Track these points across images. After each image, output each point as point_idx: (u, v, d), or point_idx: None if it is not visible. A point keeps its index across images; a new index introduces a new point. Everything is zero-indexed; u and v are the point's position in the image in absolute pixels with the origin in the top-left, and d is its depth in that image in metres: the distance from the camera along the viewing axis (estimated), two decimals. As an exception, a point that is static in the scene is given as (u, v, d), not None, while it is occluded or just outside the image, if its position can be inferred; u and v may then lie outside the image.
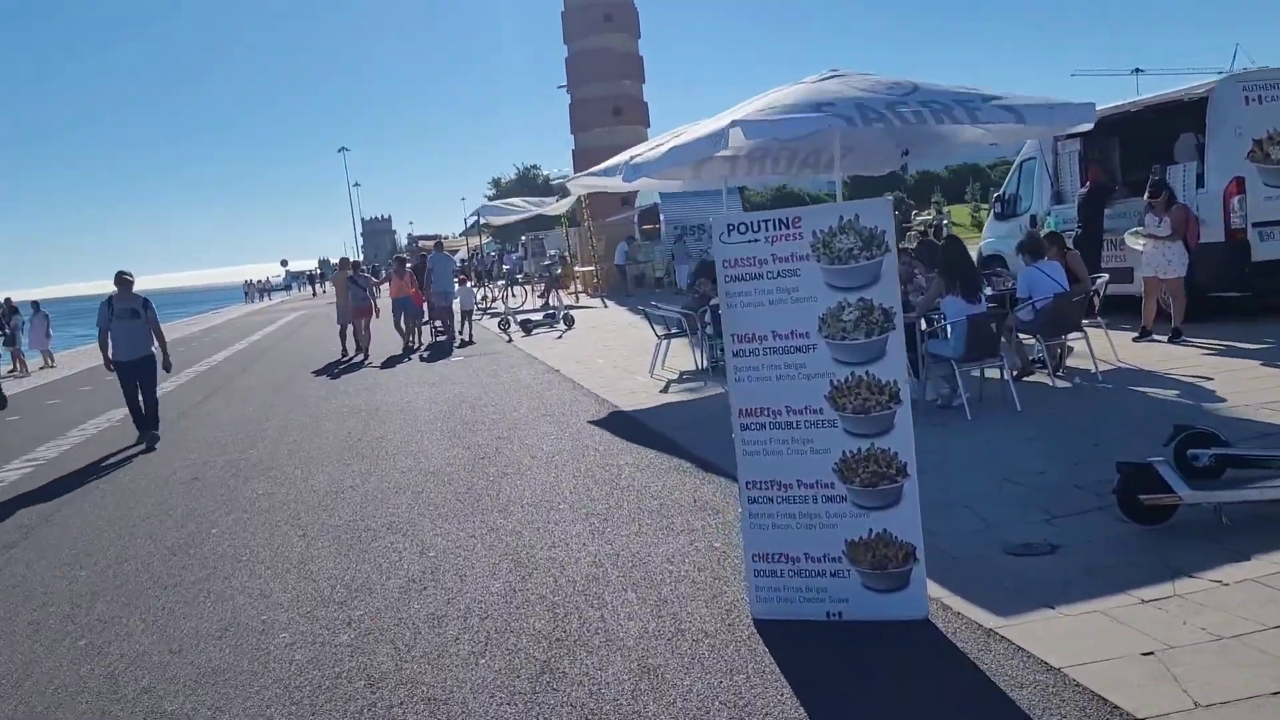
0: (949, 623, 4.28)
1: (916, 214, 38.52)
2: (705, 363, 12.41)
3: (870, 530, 4.30)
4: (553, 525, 6.41)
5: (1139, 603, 4.24)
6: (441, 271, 20.34)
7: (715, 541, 5.75)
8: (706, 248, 30.37)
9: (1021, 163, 14.96)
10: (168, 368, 11.90)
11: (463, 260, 56.99)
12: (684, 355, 13.26)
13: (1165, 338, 10.63)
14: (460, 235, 42.32)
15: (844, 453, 4.29)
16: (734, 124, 8.54)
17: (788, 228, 4.27)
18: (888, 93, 9.10)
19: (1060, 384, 8.97)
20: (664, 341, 12.75)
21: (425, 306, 20.40)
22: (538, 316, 21.65)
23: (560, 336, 19.38)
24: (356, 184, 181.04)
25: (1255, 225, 11.07)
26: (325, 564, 6.12)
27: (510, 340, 19.59)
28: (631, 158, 11.10)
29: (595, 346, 16.96)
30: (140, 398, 11.26)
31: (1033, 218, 14.47)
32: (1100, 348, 9.56)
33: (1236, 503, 4.96)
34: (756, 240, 4.32)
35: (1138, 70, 79.00)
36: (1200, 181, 11.45)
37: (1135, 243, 10.98)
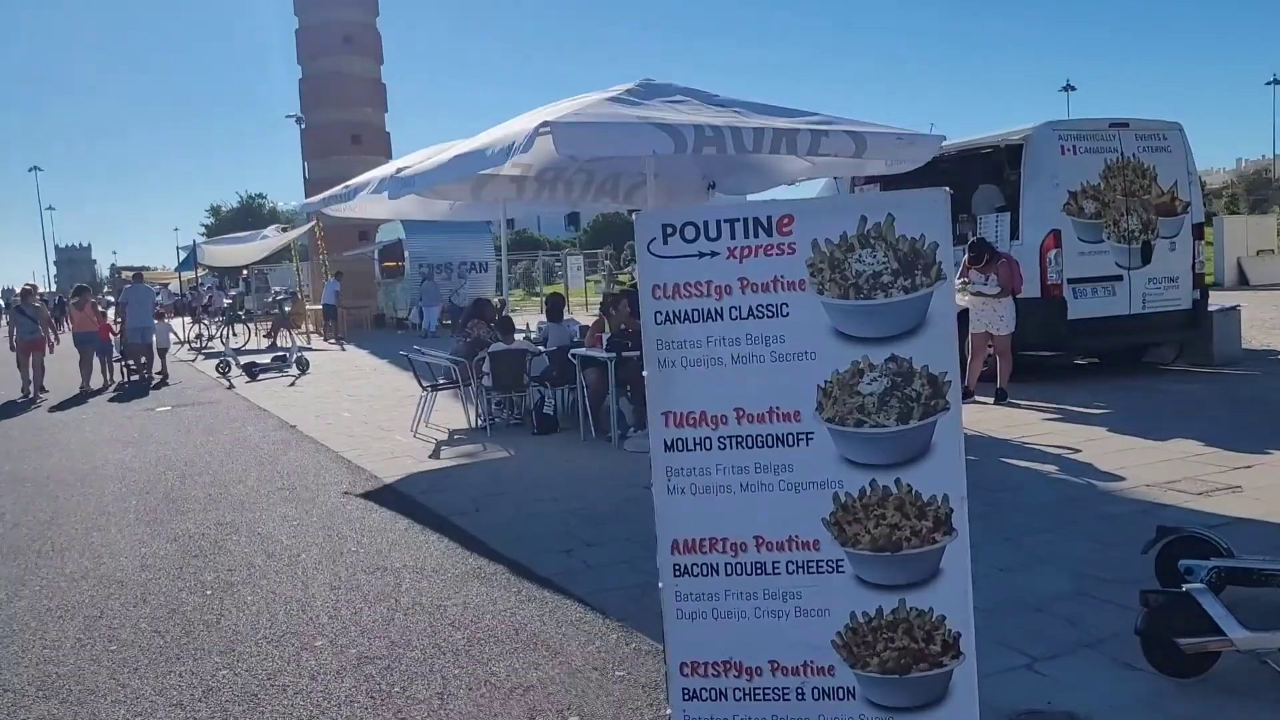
0: None
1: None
2: (480, 420, 10.46)
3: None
4: (307, 681, 4.28)
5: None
6: (138, 305, 18.04)
7: (566, 709, 3.87)
8: (457, 288, 28.29)
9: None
10: None
11: (174, 295, 51.59)
12: (452, 411, 11.23)
13: (990, 400, 9.80)
14: (175, 269, 37.67)
15: (853, 616, 2.57)
16: (545, 127, 6.78)
17: (770, 232, 2.56)
18: (719, 111, 7.68)
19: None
20: (429, 394, 10.67)
21: (116, 342, 18.13)
22: (265, 359, 18.75)
23: (293, 383, 16.68)
24: (50, 207, 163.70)
25: (1070, 282, 10.54)
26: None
27: (231, 386, 16.67)
28: (398, 170, 9.10)
29: (338, 396, 14.51)
30: None
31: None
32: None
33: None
34: (714, 253, 2.58)
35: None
36: (1014, 232, 10.84)
37: (960, 300, 10.14)
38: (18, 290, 20.05)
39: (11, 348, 17.03)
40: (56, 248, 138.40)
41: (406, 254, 30.22)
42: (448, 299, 27.90)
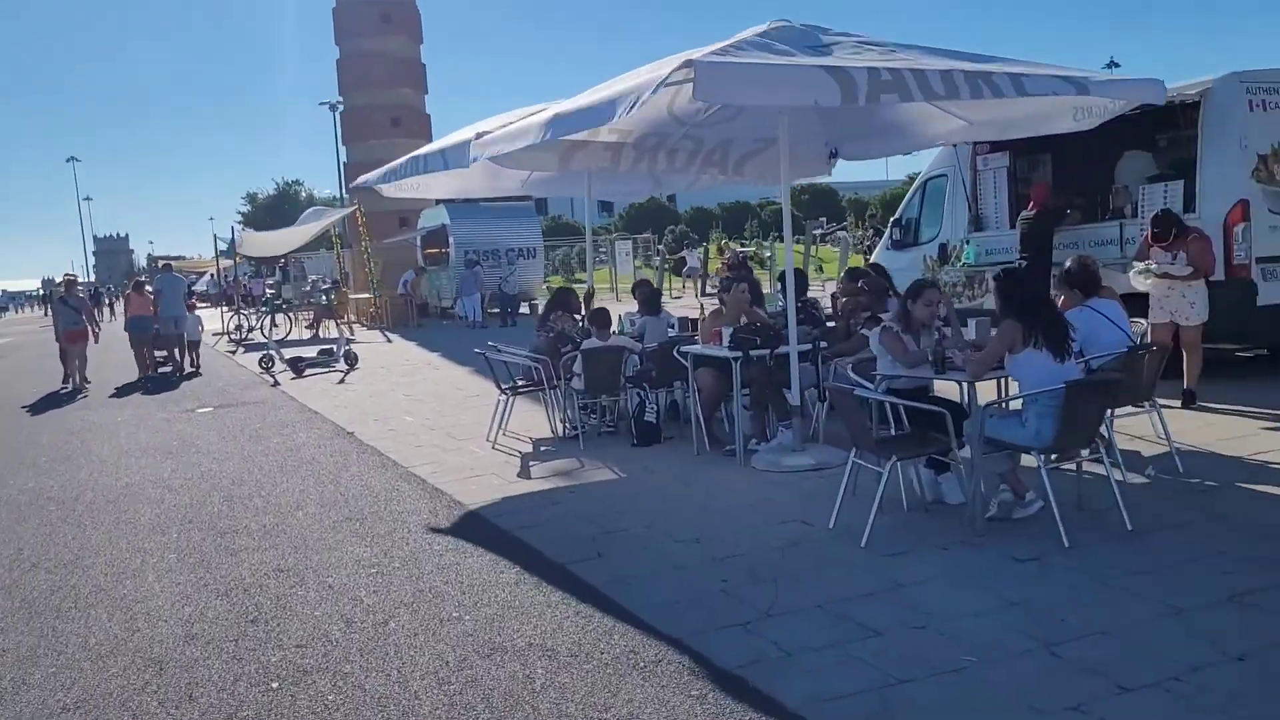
0: None
1: (729, 243, 36.06)
2: (568, 427, 9.05)
3: None
4: None
5: None
6: (171, 294, 18.07)
7: None
8: (506, 275, 26.93)
9: (926, 181, 12.56)
10: None
11: (216, 285, 50.73)
12: (532, 415, 9.83)
13: (1177, 402, 8.24)
14: (212, 257, 36.50)
15: None
16: (686, 67, 5.32)
17: None
18: (887, 53, 6.20)
19: (1133, 478, 6.23)
20: (508, 398, 9.26)
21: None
22: (311, 353, 17.45)
23: (343, 379, 15.37)
24: (88, 198, 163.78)
25: (1259, 261, 8.95)
26: None
27: (276, 384, 15.39)
28: (478, 135, 7.69)
29: (395, 396, 13.16)
30: None
31: (943, 247, 12.05)
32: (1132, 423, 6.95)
33: None
34: None
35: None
36: (1189, 204, 9.25)
37: (1141, 283, 8.57)
38: (59, 280, 20.15)
39: (56, 339, 16.72)
40: (94, 238, 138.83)
41: (451, 240, 28.87)
42: (497, 287, 26.54)
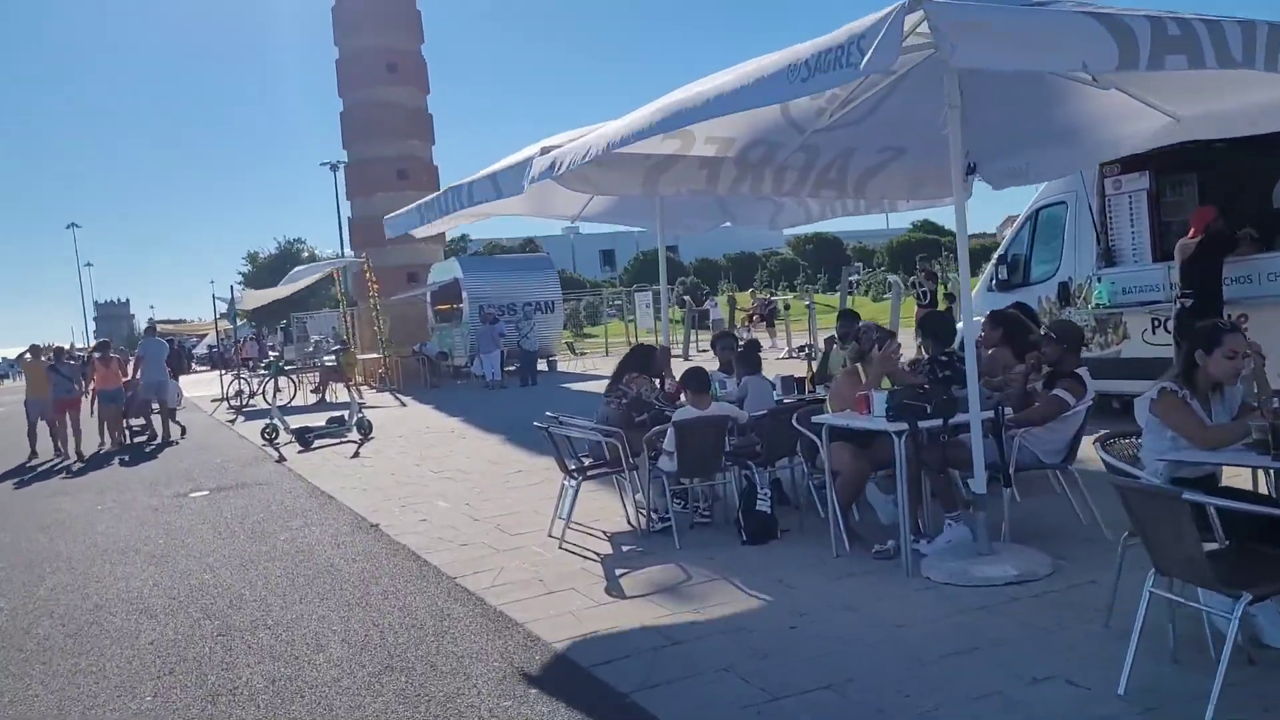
0: None
1: (758, 291, 33.99)
2: (653, 519, 7.17)
3: None
4: None
5: None
6: (154, 360, 17.21)
7: None
8: (526, 331, 25.16)
9: (1038, 211, 10.81)
10: None
11: (210, 347, 48.96)
12: (596, 501, 7.98)
13: None
14: (216, 320, 34.76)
15: None
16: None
17: None
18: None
19: None
20: (575, 481, 7.38)
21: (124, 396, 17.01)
22: (319, 421, 15.58)
23: (357, 453, 13.51)
24: (88, 264, 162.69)
25: None
26: None
27: (282, 459, 13.52)
28: (544, 150, 5.97)
29: (421, 473, 11.29)
30: None
31: (1062, 286, 10.27)
32: None
33: None
34: None
35: None
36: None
37: None
38: (59, 346, 19.02)
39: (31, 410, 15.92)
40: (95, 303, 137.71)
41: (464, 295, 27.14)
42: (516, 343, 24.75)
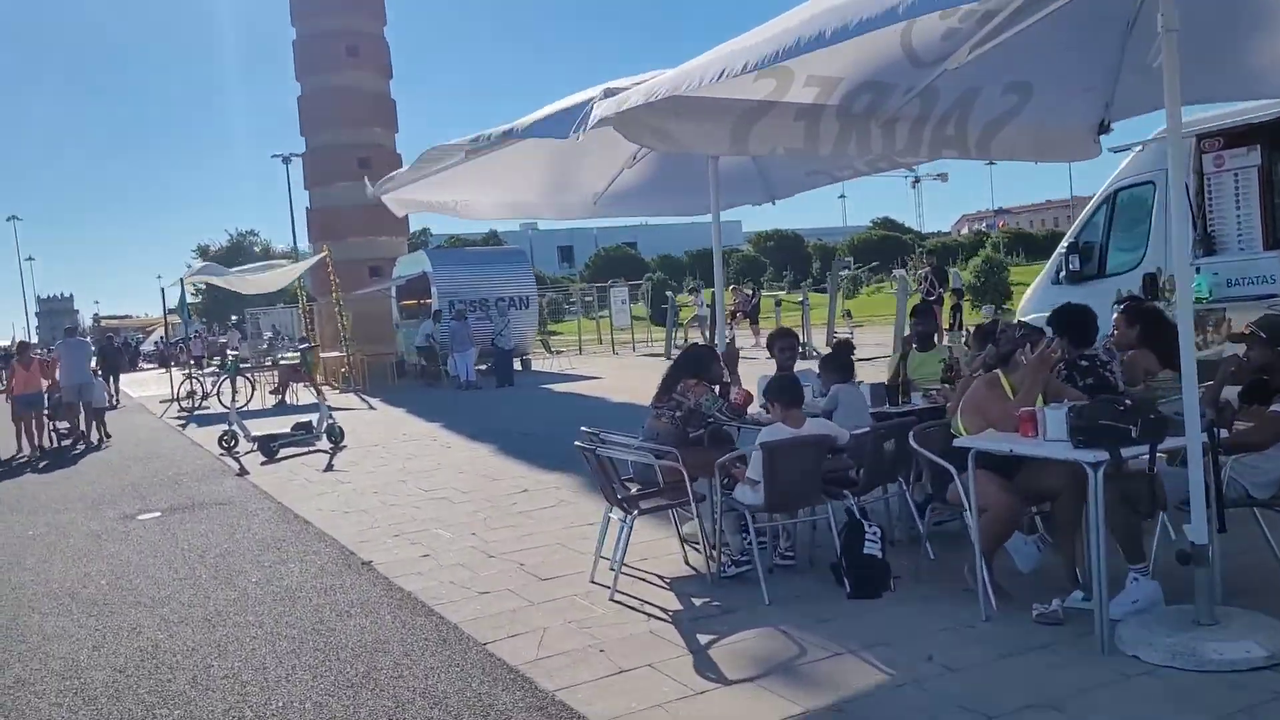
0: None
1: (740, 286, 32.38)
2: (725, 564, 5.78)
3: None
4: None
5: None
6: (73, 361, 16.44)
7: None
8: (500, 329, 23.62)
9: (1116, 193, 9.57)
10: None
11: (159, 341, 46.68)
12: (638, 533, 6.58)
13: None
14: (165, 314, 32.65)
15: None
16: None
17: None
18: None
19: None
20: (629, 516, 5.94)
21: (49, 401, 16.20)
22: (284, 426, 13.95)
23: (330, 465, 11.96)
24: (30, 258, 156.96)
25: None
26: None
27: (243, 471, 11.94)
28: (607, 92, 4.56)
29: (408, 490, 9.78)
30: None
31: (1149, 278, 9.02)
32: None
33: None
34: None
35: None
36: None
37: None
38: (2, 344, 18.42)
39: None
40: (38, 299, 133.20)
41: (434, 290, 25.51)
42: (490, 342, 23.20)
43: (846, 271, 30.49)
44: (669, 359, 25.74)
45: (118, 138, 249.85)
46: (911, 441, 5.25)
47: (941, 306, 18.99)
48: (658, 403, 6.42)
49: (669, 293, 30.57)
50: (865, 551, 5.29)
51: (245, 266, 28.47)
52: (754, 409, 6.38)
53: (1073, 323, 5.61)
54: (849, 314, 27.97)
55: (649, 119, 4.75)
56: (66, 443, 16.23)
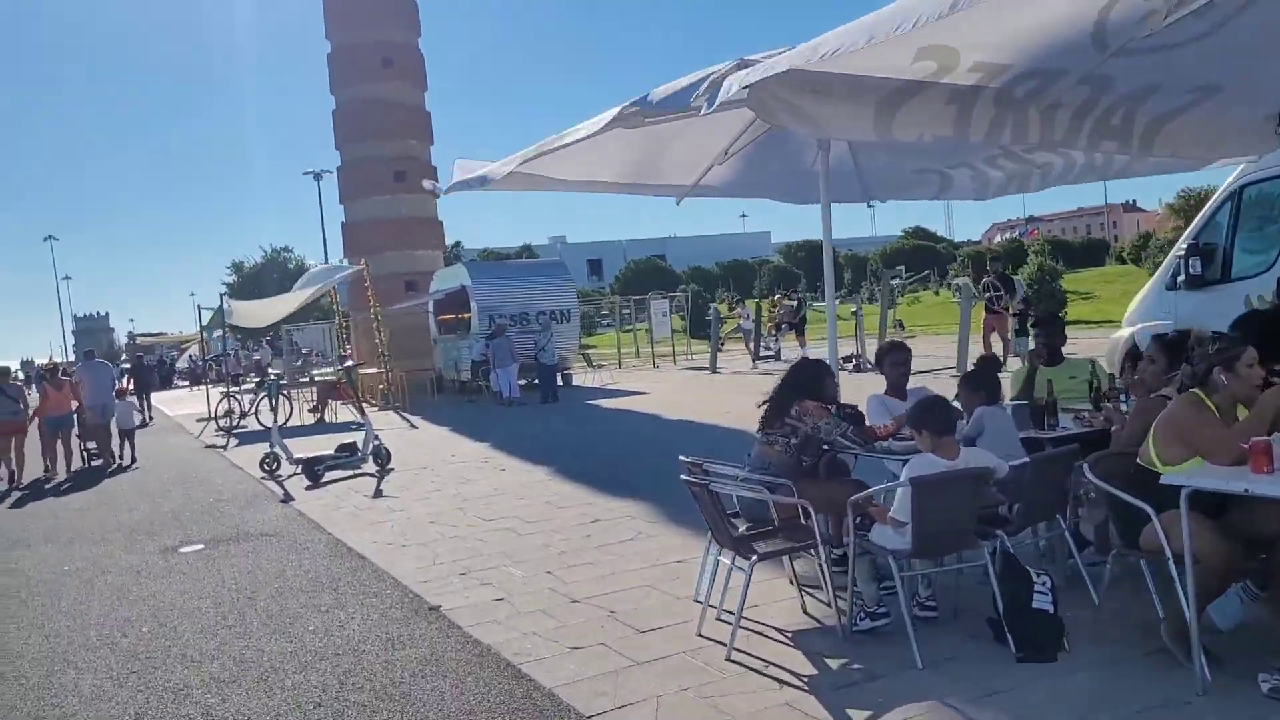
0: None
1: (783, 297, 31.34)
2: (849, 616, 4.98)
3: None
4: None
5: None
6: (94, 382, 16.35)
7: None
8: (543, 344, 22.89)
9: (1242, 189, 8.72)
10: None
11: (192, 359, 46.48)
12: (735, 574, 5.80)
13: None
14: (200, 330, 32.23)
15: None
16: None
17: None
18: None
19: None
20: (742, 562, 5.15)
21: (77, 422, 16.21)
22: (328, 448, 13.27)
23: (378, 490, 11.27)
24: (67, 277, 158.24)
25: None
26: None
27: (287, 498, 11.27)
28: (740, 63, 3.78)
29: (467, 519, 9.04)
30: None
31: (1287, 283, 8.16)
32: None
33: None
34: None
35: None
36: None
37: None
38: (40, 363, 18.36)
39: None
40: (74, 317, 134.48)
41: (473, 304, 24.88)
42: (533, 356, 22.50)
43: (897, 281, 29.49)
44: (713, 372, 24.98)
45: (152, 157, 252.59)
46: (1089, 475, 4.45)
47: (1005, 316, 18.09)
48: (768, 428, 5.65)
49: (712, 305, 29.72)
50: (1035, 605, 4.49)
51: (269, 300, 28.03)
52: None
53: (1269, 331, 4.79)
54: (901, 324, 27.06)
55: (787, 94, 4.00)
56: (97, 463, 16.11)
